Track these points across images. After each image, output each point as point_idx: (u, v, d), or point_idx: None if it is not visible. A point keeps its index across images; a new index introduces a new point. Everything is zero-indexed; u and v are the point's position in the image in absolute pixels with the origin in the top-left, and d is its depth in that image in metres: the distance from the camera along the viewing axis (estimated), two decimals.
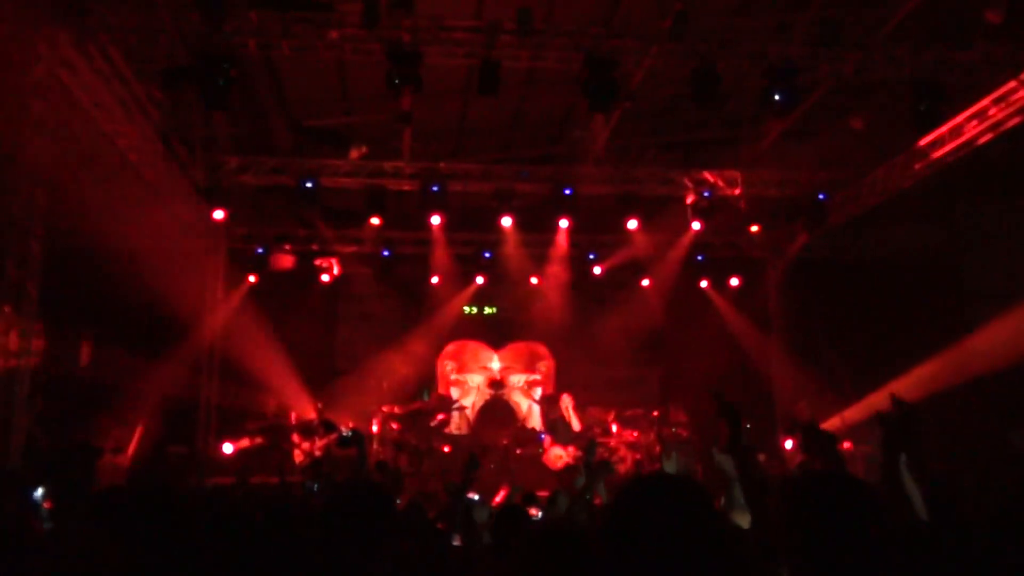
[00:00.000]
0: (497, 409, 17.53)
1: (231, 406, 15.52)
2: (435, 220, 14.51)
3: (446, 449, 15.07)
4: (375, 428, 15.07)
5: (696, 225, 14.53)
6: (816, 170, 14.32)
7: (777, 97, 10.28)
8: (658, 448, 15.04)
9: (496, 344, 18.43)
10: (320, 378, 16.43)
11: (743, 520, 4.48)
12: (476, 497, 9.71)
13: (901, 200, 13.58)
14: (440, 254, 16.75)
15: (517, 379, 18.07)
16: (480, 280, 17.39)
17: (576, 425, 15.04)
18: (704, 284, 17.77)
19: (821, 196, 14.50)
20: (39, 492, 6.00)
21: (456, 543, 5.07)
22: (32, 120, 9.34)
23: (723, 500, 4.78)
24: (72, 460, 10.65)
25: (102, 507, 3.66)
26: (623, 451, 14.94)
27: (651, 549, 1.63)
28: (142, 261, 14.72)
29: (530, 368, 18.29)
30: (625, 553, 1.65)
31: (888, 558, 1.99)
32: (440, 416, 15.68)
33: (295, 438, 14.04)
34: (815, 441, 3.73)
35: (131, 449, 13.27)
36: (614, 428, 15.26)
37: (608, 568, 1.66)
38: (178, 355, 14.88)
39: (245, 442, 14.25)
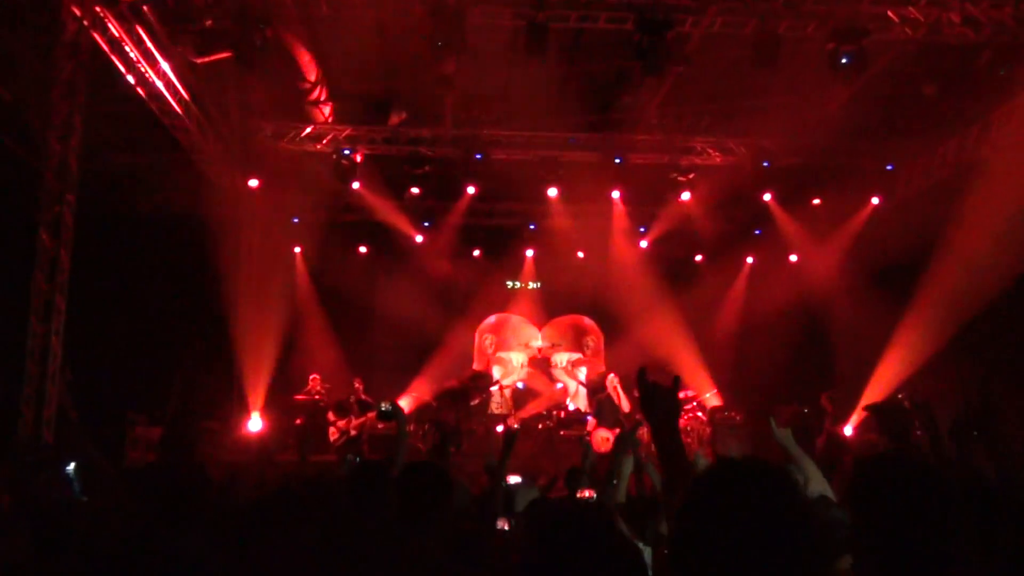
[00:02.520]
0: (537, 386, 17.56)
1: (267, 381, 15.72)
2: (470, 190, 14.52)
3: (500, 429, 15.11)
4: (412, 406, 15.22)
5: (768, 196, 14.36)
6: (884, 139, 14.03)
7: (844, 60, 10.06)
8: (708, 431, 14.97)
9: (540, 320, 18.44)
10: (358, 352, 16.58)
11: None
12: (519, 479, 9.74)
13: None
14: (484, 225, 16.79)
15: (560, 358, 18.05)
16: (530, 253, 17.39)
17: (625, 406, 14.98)
18: (750, 260, 17.61)
19: (889, 167, 14.22)
20: (71, 466, 6.14)
21: (503, 527, 5.09)
22: (63, 83, 9.48)
23: None
24: (102, 433, 10.91)
25: (132, 483, 3.75)
26: None
27: (736, 548, 1.62)
28: (175, 230, 14.97)
29: (575, 344, 18.26)
30: (705, 552, 1.65)
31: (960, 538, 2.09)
32: (483, 394, 15.72)
33: (330, 416, 14.20)
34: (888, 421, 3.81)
35: (163, 423, 13.51)
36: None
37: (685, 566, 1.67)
38: (212, 327, 15.11)
39: (278, 418, 14.46)
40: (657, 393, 2.68)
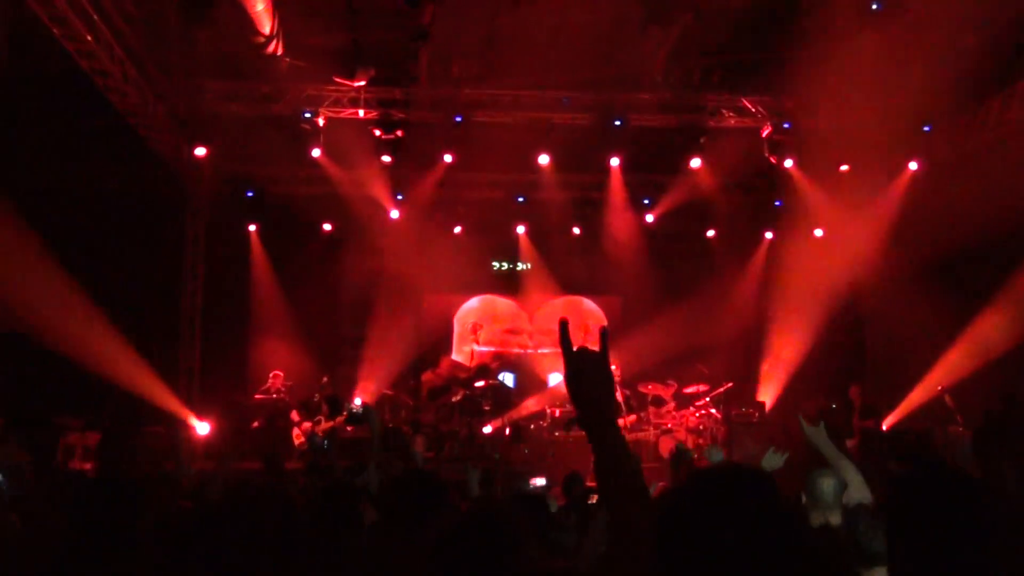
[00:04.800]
0: (530, 383, 17.58)
1: (219, 377, 15.66)
2: (447, 158, 14.47)
3: (487, 430, 15.13)
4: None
5: (789, 163, 14.35)
6: (920, 97, 14.01)
7: (875, 7, 10.03)
8: (723, 431, 15.00)
9: (529, 306, 18.44)
10: (324, 343, 16.53)
11: (832, 516, 4.46)
12: (543, 482, 9.72)
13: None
14: (466, 198, 16.72)
15: (550, 349, 18.09)
16: (521, 230, 17.35)
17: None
18: (769, 235, 17.62)
19: (926, 128, 14.23)
20: None
21: None
22: None
23: (805, 494, 4.70)
24: (31, 440, 10.84)
25: (64, 496, 3.71)
26: (681, 434, 14.91)
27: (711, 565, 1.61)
28: (110, 205, 14.82)
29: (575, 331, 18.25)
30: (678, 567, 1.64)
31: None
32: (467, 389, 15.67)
33: (295, 416, 14.14)
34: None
35: (101, 428, 13.42)
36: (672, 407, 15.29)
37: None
38: (155, 316, 15.02)
39: (232, 421, 14.41)
40: (586, 363, 2.20)
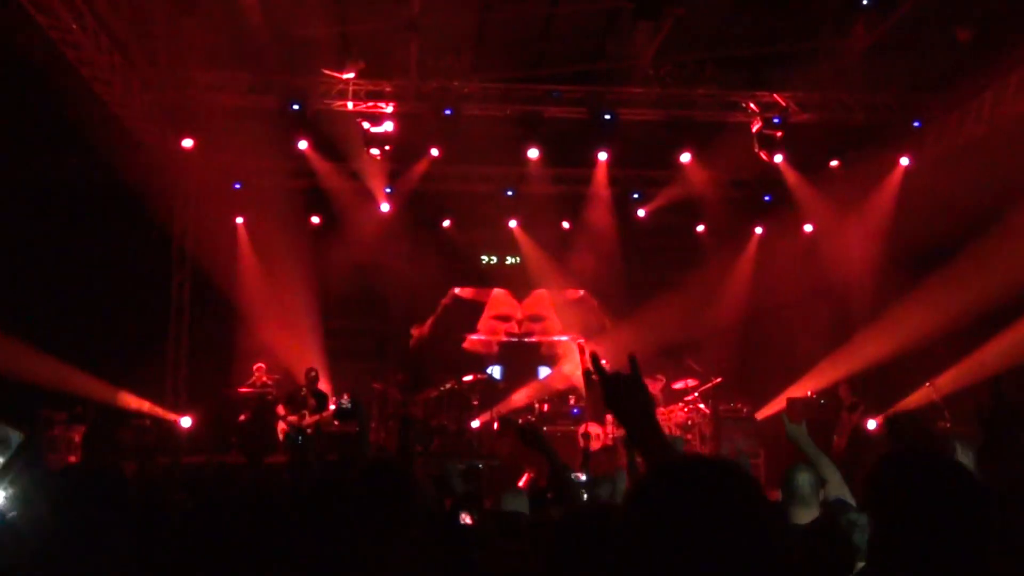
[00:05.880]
0: (518, 373, 17.60)
1: (205, 369, 15.66)
2: (434, 152, 14.48)
3: (475, 424, 15.16)
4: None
5: (779, 158, 14.37)
6: (911, 92, 14.06)
7: (866, 1, 10.06)
8: (711, 427, 15.03)
9: (519, 298, 18.47)
10: (311, 338, 16.50)
11: (805, 515, 4.51)
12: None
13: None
14: (455, 191, 16.70)
15: (540, 339, 18.11)
16: (514, 224, 17.34)
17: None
18: (759, 231, 17.65)
19: (916, 123, 14.27)
20: None
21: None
22: None
23: (781, 490, 4.76)
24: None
25: (52, 490, 3.72)
26: (671, 430, 14.95)
27: (674, 554, 1.62)
28: (96, 197, 14.75)
29: (564, 320, 18.27)
30: (645, 556, 1.65)
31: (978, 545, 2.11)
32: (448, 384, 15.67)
33: (280, 409, 14.12)
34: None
35: (86, 421, 13.41)
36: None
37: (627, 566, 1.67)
38: (143, 308, 14.99)
39: (218, 414, 14.43)
40: (622, 385, 2.43)
